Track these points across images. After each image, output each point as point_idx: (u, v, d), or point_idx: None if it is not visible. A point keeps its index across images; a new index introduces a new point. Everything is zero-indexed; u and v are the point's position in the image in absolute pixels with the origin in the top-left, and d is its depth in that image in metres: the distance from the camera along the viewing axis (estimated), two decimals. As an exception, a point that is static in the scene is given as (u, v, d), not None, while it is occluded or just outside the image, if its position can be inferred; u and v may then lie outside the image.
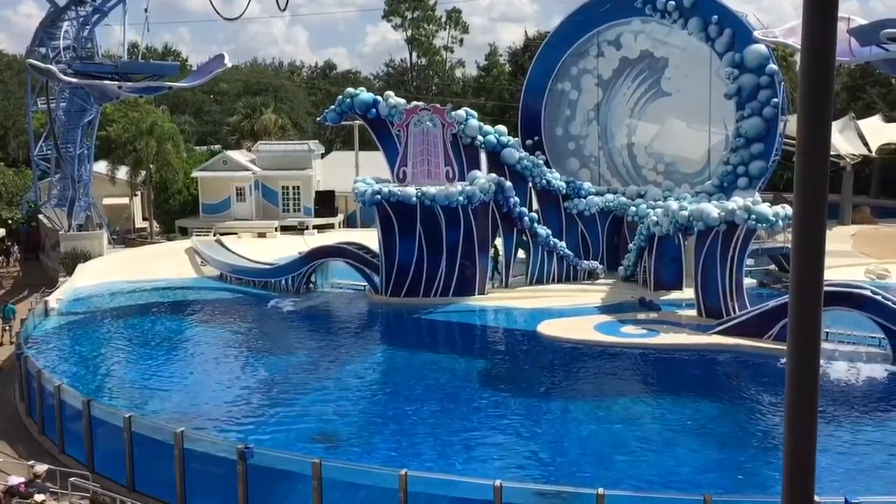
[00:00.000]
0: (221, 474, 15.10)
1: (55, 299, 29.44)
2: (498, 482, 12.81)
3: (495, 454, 16.85)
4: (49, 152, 42.55)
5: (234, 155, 51.39)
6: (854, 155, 45.50)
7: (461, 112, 32.97)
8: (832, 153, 34.57)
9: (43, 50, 38.75)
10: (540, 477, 15.62)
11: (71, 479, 14.49)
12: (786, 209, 25.44)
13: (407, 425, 18.57)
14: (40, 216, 43.62)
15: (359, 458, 15.84)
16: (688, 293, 27.74)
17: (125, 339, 26.61)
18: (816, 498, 2.96)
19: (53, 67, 36.57)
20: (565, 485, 14.45)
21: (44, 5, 39.35)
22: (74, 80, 37.08)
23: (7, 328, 28.21)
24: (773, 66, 30.30)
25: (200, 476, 15.46)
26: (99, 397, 19.09)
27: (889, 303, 21.98)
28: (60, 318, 28.22)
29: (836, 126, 44.10)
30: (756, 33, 30.01)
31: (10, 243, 42.52)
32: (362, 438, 17.76)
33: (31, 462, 14.79)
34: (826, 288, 3.14)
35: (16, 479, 12.13)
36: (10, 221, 46.34)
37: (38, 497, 11.38)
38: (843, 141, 45.12)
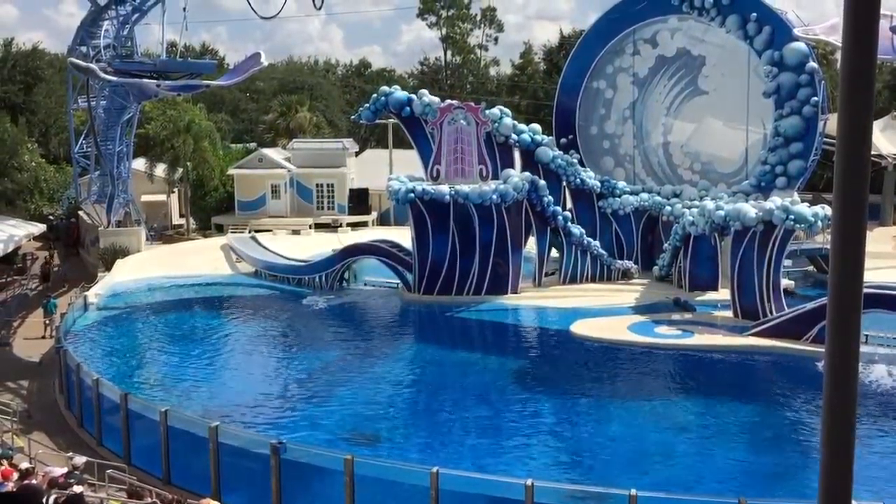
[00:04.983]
0: (255, 468, 15.26)
1: (94, 294, 29.94)
2: (529, 481, 12.78)
3: (527, 453, 16.82)
4: (89, 150, 43.17)
5: (270, 153, 51.73)
6: (896, 155, 44.63)
7: (495, 110, 32.91)
8: (873, 153, 33.89)
9: (84, 48, 39.35)
10: (572, 477, 15.57)
11: (108, 471, 14.72)
12: (825, 209, 25.05)
13: (439, 423, 18.61)
14: (80, 212, 44.34)
15: (391, 456, 15.90)
16: (723, 294, 27.44)
17: (162, 333, 27.00)
18: (854, 503, 2.92)
19: (94, 66, 37.09)
20: (597, 485, 14.38)
21: (85, 5, 39.90)
22: (114, 78, 37.57)
23: (48, 322, 28.74)
24: (813, 65, 29.83)
25: (234, 470, 15.63)
26: (136, 391, 19.39)
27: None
28: (99, 313, 28.70)
29: (877, 125, 43.29)
30: (796, 31, 29.54)
31: (50, 260, 40.87)
32: (395, 436, 17.84)
33: (69, 454, 15.04)
34: (865, 290, 3.09)
35: (59, 471, 12.35)
36: (51, 217, 47.22)
37: (77, 489, 11.58)
38: (885, 140, 44.27)
